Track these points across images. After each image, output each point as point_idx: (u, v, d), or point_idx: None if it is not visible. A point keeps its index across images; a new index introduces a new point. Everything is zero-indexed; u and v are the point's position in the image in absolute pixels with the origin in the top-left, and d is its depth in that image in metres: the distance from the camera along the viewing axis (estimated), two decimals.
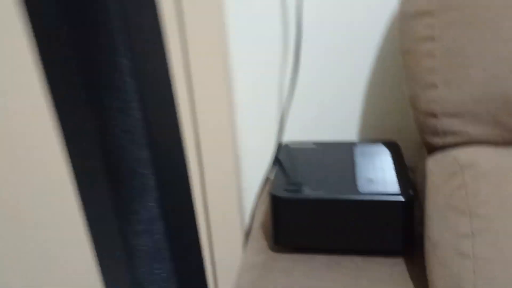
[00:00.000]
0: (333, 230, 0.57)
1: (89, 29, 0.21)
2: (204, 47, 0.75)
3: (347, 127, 0.78)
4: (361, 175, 0.60)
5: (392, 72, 0.74)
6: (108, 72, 0.23)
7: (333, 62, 0.75)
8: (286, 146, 0.72)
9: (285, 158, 0.68)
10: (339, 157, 0.66)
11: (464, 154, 0.52)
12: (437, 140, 0.55)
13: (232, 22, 0.75)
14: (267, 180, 0.82)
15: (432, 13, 0.54)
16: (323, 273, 0.57)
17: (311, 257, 0.60)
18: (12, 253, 1.00)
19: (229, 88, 0.78)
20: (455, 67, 0.52)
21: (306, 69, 0.76)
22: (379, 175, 0.60)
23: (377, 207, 0.55)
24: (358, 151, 0.67)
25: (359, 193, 0.56)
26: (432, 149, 0.57)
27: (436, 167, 0.54)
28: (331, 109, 0.77)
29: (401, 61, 0.59)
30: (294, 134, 0.80)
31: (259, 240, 0.66)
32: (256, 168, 0.84)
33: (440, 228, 0.49)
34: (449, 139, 0.54)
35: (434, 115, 0.54)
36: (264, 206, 0.74)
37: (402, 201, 0.54)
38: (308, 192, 0.57)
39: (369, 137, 0.78)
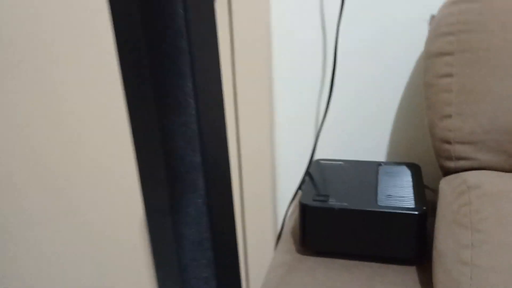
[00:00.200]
0: (353, 237, 0.65)
1: (163, 58, 0.27)
2: (251, 75, 0.85)
3: (375, 150, 0.86)
4: (381, 191, 0.68)
5: (417, 103, 0.82)
6: (175, 94, 0.31)
7: (364, 91, 0.83)
8: (318, 162, 0.80)
9: (316, 173, 0.76)
10: (364, 174, 0.74)
11: (472, 177, 0.59)
12: (450, 164, 0.63)
13: (277, 54, 0.85)
14: (299, 191, 0.90)
15: (451, 53, 0.62)
16: (342, 274, 0.65)
17: (332, 260, 0.68)
18: (80, 242, 1.12)
19: (271, 111, 0.87)
20: (468, 101, 0.60)
21: (340, 96, 0.84)
22: (398, 191, 0.67)
23: (393, 219, 0.62)
24: (382, 170, 0.75)
25: (378, 206, 0.63)
26: (446, 171, 0.64)
27: (447, 187, 0.61)
28: (361, 133, 0.86)
29: (423, 93, 0.67)
30: (326, 153, 0.89)
31: (288, 242, 0.74)
32: (290, 180, 0.93)
33: (446, 239, 0.56)
34: (461, 164, 0.62)
35: (448, 142, 0.62)
36: (295, 213, 0.82)
37: (415, 215, 0.62)
38: (333, 202, 0.65)
39: (395, 159, 0.86)
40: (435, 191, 0.75)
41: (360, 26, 0.80)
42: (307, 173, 0.77)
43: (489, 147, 0.59)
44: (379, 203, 0.64)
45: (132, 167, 1.03)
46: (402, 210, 0.62)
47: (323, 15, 0.81)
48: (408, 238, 0.63)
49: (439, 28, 0.65)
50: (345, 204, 0.65)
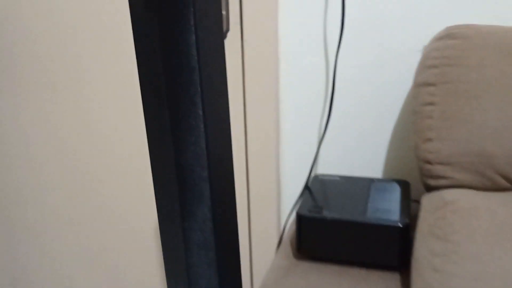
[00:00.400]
0: (343, 245, 0.73)
1: (179, 89, 0.30)
2: (260, 96, 0.94)
3: (370, 166, 0.94)
4: (371, 204, 0.75)
5: (409, 126, 0.89)
6: (187, 118, 0.36)
7: (361, 114, 0.91)
8: (316, 177, 0.88)
9: (314, 187, 0.84)
10: (357, 189, 0.81)
11: (449, 194, 0.66)
12: (431, 182, 0.70)
13: (284, 78, 0.94)
14: (298, 202, 0.98)
15: (434, 84, 0.70)
16: (333, 278, 0.72)
17: (325, 265, 0.75)
18: (97, 238, 1.21)
19: (277, 129, 0.96)
20: (447, 127, 0.67)
21: (338, 117, 0.93)
22: (386, 205, 0.75)
23: (379, 230, 0.70)
24: (374, 186, 0.82)
25: (366, 218, 0.71)
26: (428, 188, 0.72)
27: (427, 202, 0.68)
28: (358, 151, 0.94)
29: (412, 119, 0.75)
30: (328, 167, 0.97)
31: (286, 248, 0.82)
32: (293, 192, 1.01)
33: (422, 248, 0.63)
34: (441, 182, 0.69)
35: (430, 162, 0.69)
36: (295, 223, 0.90)
37: (399, 227, 0.69)
38: (326, 213, 0.73)
39: (389, 175, 0.93)
40: None
41: (357, 55, 0.89)
42: (306, 187, 0.85)
43: (464, 168, 0.67)
44: (368, 215, 0.72)
45: (149, 179, 1.12)
46: (387, 222, 0.70)
47: (326, 43, 0.90)
48: (392, 247, 0.70)
49: (426, 61, 0.73)
50: (337, 216, 0.72)
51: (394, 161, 0.92)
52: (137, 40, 0.34)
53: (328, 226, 0.73)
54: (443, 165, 0.68)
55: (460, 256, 0.58)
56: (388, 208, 0.74)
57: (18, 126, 1.18)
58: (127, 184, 1.14)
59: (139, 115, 1.08)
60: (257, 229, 1.03)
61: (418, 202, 0.88)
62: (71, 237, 1.25)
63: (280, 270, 0.76)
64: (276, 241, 1.02)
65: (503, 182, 0.65)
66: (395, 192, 0.80)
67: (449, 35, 0.72)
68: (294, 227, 0.88)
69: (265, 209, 1.01)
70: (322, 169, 0.98)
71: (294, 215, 0.97)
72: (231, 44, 0.95)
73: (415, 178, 0.90)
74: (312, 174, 0.94)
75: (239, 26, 0.94)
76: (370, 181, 0.85)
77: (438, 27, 0.82)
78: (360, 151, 0.94)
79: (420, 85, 0.72)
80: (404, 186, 0.82)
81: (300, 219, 0.74)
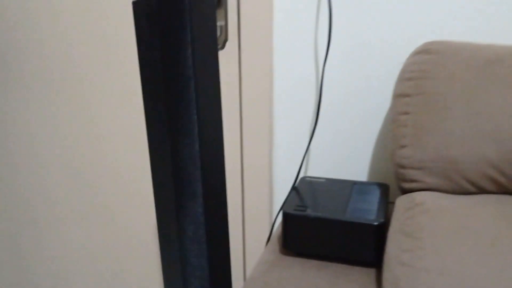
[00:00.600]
0: (325, 241, 0.79)
1: (176, 96, 0.34)
2: (255, 104, 1.01)
3: (355, 170, 1.00)
4: (351, 205, 0.82)
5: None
6: (183, 122, 0.36)
7: (347, 121, 0.98)
8: (303, 178, 0.94)
9: (301, 188, 0.90)
10: (340, 191, 0.88)
11: (419, 196, 0.73)
12: (405, 185, 0.77)
13: (277, 88, 1.01)
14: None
15: (409, 95, 0.76)
16: (314, 272, 0.79)
17: (308, 261, 0.82)
18: (100, 238, 1.28)
19: (271, 134, 1.03)
20: (419, 135, 0.74)
21: (326, 125, 0.99)
22: (365, 206, 0.81)
23: (357, 228, 0.76)
24: (356, 188, 0.89)
25: (345, 217, 0.77)
26: (402, 191, 0.78)
27: (400, 204, 0.75)
28: (344, 156, 1.00)
29: (390, 127, 0.82)
30: (317, 171, 1.03)
31: (274, 244, 0.88)
32: (284, 194, 1.07)
33: (393, 245, 0.69)
34: (413, 185, 0.75)
35: (403, 167, 0.76)
36: None
37: (374, 225, 0.75)
38: (310, 212, 0.80)
39: (371, 178, 1.00)
40: None
41: (343, 66, 0.95)
42: (294, 187, 0.91)
43: (434, 173, 0.73)
44: (347, 215, 0.78)
45: (148, 178, 1.19)
46: (364, 221, 0.76)
47: (316, 55, 0.97)
48: (369, 244, 0.77)
49: (403, 73, 0.80)
50: (319, 214, 0.79)
51: (376, 165, 0.99)
52: (140, 51, 0.39)
53: (311, 223, 0.79)
54: (415, 169, 0.74)
55: (425, 252, 0.65)
56: (366, 208, 0.80)
57: (24, 126, 1.26)
58: (130, 183, 1.21)
59: (142, 117, 1.15)
60: (250, 227, 1.10)
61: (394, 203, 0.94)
62: (74, 233, 1.32)
63: (267, 264, 0.82)
64: (266, 238, 1.09)
65: (468, 186, 0.72)
66: (375, 194, 0.86)
67: (425, 50, 0.78)
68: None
69: (258, 209, 1.08)
70: (312, 172, 1.05)
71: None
72: (229, 52, 1.02)
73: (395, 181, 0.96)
74: (301, 176, 1.01)
75: (237, 37, 1.01)
76: (353, 183, 0.91)
77: (420, 42, 0.89)
78: (346, 156, 1.00)
79: (397, 95, 0.79)
80: (384, 188, 0.88)
81: (286, 217, 0.81)
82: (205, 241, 0.39)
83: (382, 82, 0.94)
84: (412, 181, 0.75)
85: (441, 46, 0.77)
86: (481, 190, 0.72)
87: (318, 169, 1.04)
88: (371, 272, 0.78)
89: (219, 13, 1.00)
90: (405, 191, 0.78)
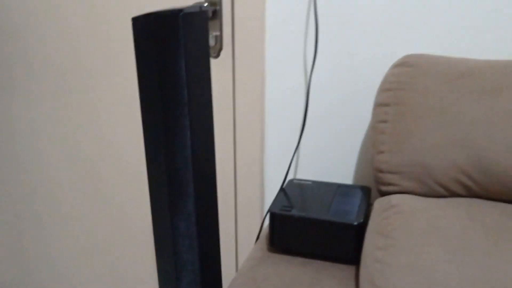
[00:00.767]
0: (309, 240, 0.85)
1: (171, 104, 0.39)
2: (248, 112, 1.06)
3: (340, 173, 1.06)
4: (334, 206, 0.88)
5: None
6: (176, 126, 0.42)
7: (333, 127, 1.04)
8: (291, 181, 1.00)
9: (288, 189, 0.96)
10: (324, 192, 0.94)
11: (395, 198, 0.78)
12: (383, 188, 0.82)
13: (268, 95, 1.07)
14: None
15: (388, 105, 0.82)
16: (298, 268, 0.84)
17: (293, 258, 0.87)
18: (100, 234, 1.33)
19: (262, 137, 1.08)
20: (396, 141, 0.80)
21: (312, 131, 1.05)
22: (346, 207, 0.87)
23: (337, 228, 0.82)
24: (339, 190, 0.95)
25: (328, 217, 0.83)
26: (380, 193, 0.84)
27: (377, 205, 0.81)
28: (330, 160, 1.06)
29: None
30: (303, 174, 1.09)
31: (262, 242, 0.94)
32: (274, 195, 1.13)
33: (369, 243, 0.75)
34: (390, 188, 0.81)
35: (381, 171, 0.82)
36: None
37: (354, 225, 0.81)
38: (295, 212, 0.85)
39: (356, 181, 1.06)
40: None
41: (329, 75, 1.01)
42: (281, 189, 0.97)
43: (409, 177, 0.79)
44: (329, 215, 0.84)
45: (144, 179, 1.24)
46: (345, 220, 0.82)
47: (305, 63, 1.03)
48: (349, 243, 0.82)
49: (384, 84, 0.85)
50: (303, 214, 0.85)
51: (361, 169, 1.05)
52: (138, 62, 0.45)
53: (296, 223, 0.85)
54: (392, 174, 0.80)
55: (398, 249, 0.70)
56: (347, 209, 0.86)
57: (27, 125, 1.31)
58: (130, 184, 1.27)
59: (139, 126, 1.20)
60: (242, 226, 1.16)
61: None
62: (76, 232, 1.37)
63: (254, 260, 0.88)
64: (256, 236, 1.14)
65: (440, 189, 0.77)
66: (357, 196, 0.92)
67: (404, 63, 0.84)
68: None
69: (250, 209, 1.14)
70: (300, 175, 1.10)
71: None
72: (224, 60, 1.08)
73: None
74: (290, 178, 1.07)
75: (231, 46, 1.07)
76: (337, 186, 0.97)
77: (402, 54, 0.95)
78: (333, 160, 1.06)
79: (377, 105, 0.85)
80: (366, 191, 0.94)
81: (272, 216, 0.86)
82: (196, 237, 0.43)
83: (366, 92, 1.00)
84: (389, 184, 0.81)
85: (419, 60, 0.83)
86: (452, 194, 0.78)
87: (306, 172, 1.10)
88: (351, 268, 0.84)
89: (215, 24, 1.05)
90: (383, 194, 0.83)
